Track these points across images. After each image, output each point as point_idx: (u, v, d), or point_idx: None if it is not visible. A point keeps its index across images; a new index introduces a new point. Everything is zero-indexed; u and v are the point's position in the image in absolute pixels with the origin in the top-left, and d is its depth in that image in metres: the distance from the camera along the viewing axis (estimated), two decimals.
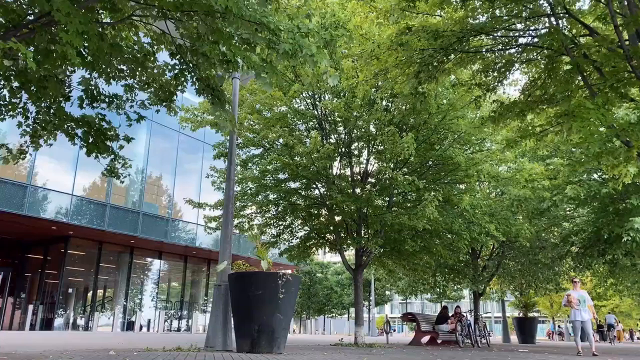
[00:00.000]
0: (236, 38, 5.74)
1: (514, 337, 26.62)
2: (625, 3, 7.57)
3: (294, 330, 20.75)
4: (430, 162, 13.69)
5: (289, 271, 8.16)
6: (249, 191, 14.25)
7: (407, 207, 13.54)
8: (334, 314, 45.51)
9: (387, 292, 45.64)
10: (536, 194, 14.32)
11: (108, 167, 8.29)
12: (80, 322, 23.23)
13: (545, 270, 20.24)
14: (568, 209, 16.28)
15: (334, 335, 29.78)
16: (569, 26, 8.51)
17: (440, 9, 8.62)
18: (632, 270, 17.08)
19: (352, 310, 20.26)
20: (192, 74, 6.91)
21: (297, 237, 15.34)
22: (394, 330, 57.73)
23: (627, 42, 7.52)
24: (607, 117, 8.17)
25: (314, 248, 15.52)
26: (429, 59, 8.42)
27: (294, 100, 13.02)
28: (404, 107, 12.31)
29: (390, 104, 12.97)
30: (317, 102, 13.31)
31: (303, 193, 14.39)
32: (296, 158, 12.62)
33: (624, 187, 11.67)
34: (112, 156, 8.24)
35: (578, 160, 10.97)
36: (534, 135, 9.38)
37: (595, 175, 14.67)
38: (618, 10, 7.72)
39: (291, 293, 7.09)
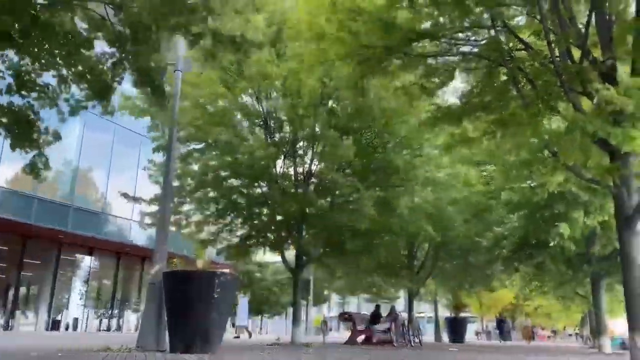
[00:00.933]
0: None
1: (445, 337, 27.56)
2: (558, 22, 7.99)
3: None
4: (372, 166, 13.90)
5: (227, 270, 8.00)
6: (188, 187, 13.87)
7: (348, 209, 13.68)
8: (271, 314, 45.28)
9: (326, 292, 45.94)
10: (472, 199, 14.89)
11: (30, 163, 7.75)
12: (0, 320, 21.75)
13: (478, 272, 21.11)
14: (501, 214, 17.03)
15: (271, 335, 29.63)
16: (506, 39, 8.88)
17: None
18: (556, 273, 18.12)
19: (290, 310, 20.23)
20: (131, 63, 6.61)
21: (237, 236, 15.11)
22: (331, 330, 58.17)
23: (558, 58, 7.93)
24: (538, 127, 8.61)
25: (254, 247, 15.34)
26: (372, 54, 8.52)
27: (239, 98, 12.82)
28: (349, 110, 12.43)
29: (336, 106, 13.05)
30: (262, 99, 13.17)
31: (244, 191, 14.19)
32: (238, 156, 12.42)
33: (550, 194, 12.36)
34: (37, 152, 7.70)
35: (510, 168, 11.50)
36: (470, 141, 9.72)
37: (525, 184, 15.42)
38: (552, 28, 8.13)
39: (228, 293, 6.96)
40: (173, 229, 14.78)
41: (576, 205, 13.65)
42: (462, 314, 29.51)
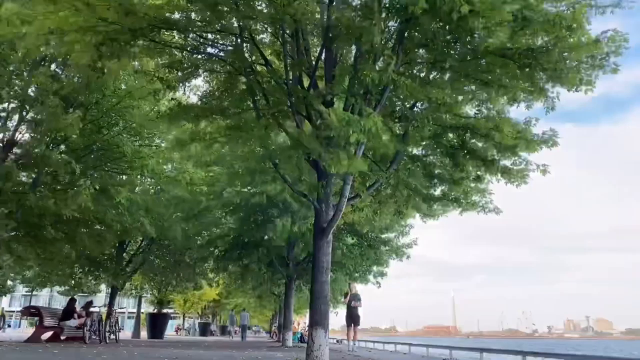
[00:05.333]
0: None
1: (145, 333, 26.91)
2: (296, 49, 8.90)
3: None
4: (95, 147, 12.69)
5: None
6: None
7: (56, 190, 12.11)
8: None
9: (10, 282, 39.38)
10: (194, 197, 15.07)
11: None
12: None
13: (188, 270, 21.40)
14: (220, 214, 17.70)
15: None
16: (251, 52, 9.39)
17: None
18: (259, 273, 19.81)
19: None
20: None
21: None
22: (9, 326, 50.08)
23: (291, 81, 8.82)
24: (266, 139, 9.37)
25: None
26: (115, 35, 7.86)
27: None
28: (76, 80, 11.10)
29: (61, 72, 11.47)
30: None
31: None
32: None
33: (268, 200, 13.54)
34: None
35: (237, 172, 12.13)
36: (204, 140, 9.89)
37: (246, 189, 16.46)
38: (290, 53, 9.00)
39: None
40: None
41: (287, 212, 15.27)
42: (165, 310, 29.41)
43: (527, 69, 7.50)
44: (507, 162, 9.36)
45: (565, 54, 7.17)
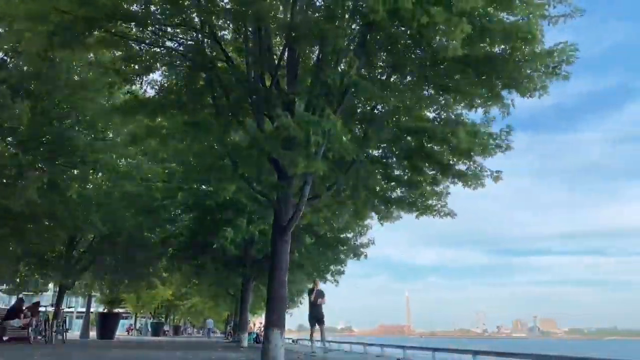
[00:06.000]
0: None
1: (94, 333, 26.06)
2: (258, 47, 8.81)
3: None
4: (45, 139, 12.15)
5: None
6: None
7: (2, 184, 11.55)
8: None
9: None
10: (149, 193, 14.70)
11: None
12: None
13: (141, 268, 20.82)
14: (175, 212, 17.34)
15: None
16: (211, 47, 9.22)
17: None
18: (214, 273, 19.53)
19: None
20: None
21: None
22: None
23: (252, 79, 8.73)
24: (225, 137, 9.24)
25: None
26: (69, 24, 7.56)
27: None
28: (25, 68, 10.61)
29: (9, 59, 10.94)
30: None
31: None
32: None
33: (224, 200, 13.35)
34: None
35: (194, 169, 11.89)
36: (160, 136, 9.66)
37: (203, 187, 16.19)
38: (252, 51, 8.89)
39: None
40: None
41: (243, 212, 15.11)
42: (116, 310, 28.57)
43: (485, 76, 7.72)
44: (462, 167, 9.59)
45: (521, 62, 7.43)
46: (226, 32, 9.34)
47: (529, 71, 7.52)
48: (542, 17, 7.18)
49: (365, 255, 18.56)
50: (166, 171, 15.38)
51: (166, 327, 44.56)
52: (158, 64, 9.16)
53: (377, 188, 10.48)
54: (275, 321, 8.14)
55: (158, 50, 9.05)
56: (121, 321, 32.13)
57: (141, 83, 9.29)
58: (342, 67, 7.88)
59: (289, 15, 8.01)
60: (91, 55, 10.93)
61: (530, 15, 7.09)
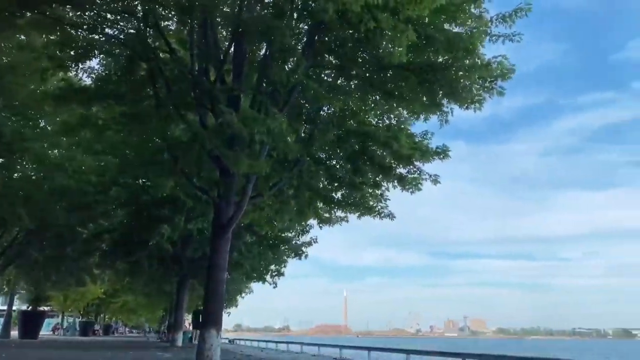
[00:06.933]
0: None
1: (16, 333, 24.52)
2: (204, 40, 8.60)
3: None
4: None
5: None
6: None
7: None
8: None
9: None
10: (81, 187, 13.97)
11: None
12: None
13: (72, 265, 19.75)
14: (109, 207, 16.59)
15: None
16: (154, 37, 8.88)
17: None
18: (149, 271, 18.88)
19: None
20: None
21: None
22: None
23: (196, 72, 8.51)
24: (165, 130, 8.96)
25: None
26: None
27: None
28: None
29: None
30: None
31: None
32: None
33: (162, 196, 12.94)
34: None
35: (130, 162, 11.45)
36: (96, 126, 9.23)
37: (139, 182, 15.58)
38: (197, 44, 8.66)
39: None
40: None
41: (181, 209, 14.68)
42: (41, 308, 27.04)
43: (427, 84, 7.93)
44: (403, 171, 9.82)
45: (461, 72, 7.70)
46: (170, 23, 9.04)
47: (467, 82, 7.80)
48: (485, 33, 7.47)
49: (306, 255, 18.56)
50: (101, 164, 14.66)
51: (96, 327, 42.68)
52: (96, 51, 8.72)
53: (321, 189, 10.52)
54: (211, 320, 7.98)
55: (96, 37, 8.62)
56: (47, 320, 30.44)
57: (77, 70, 8.83)
58: (290, 66, 7.85)
59: (236, 10, 7.87)
60: (22, 37, 10.28)
61: (474, 30, 7.37)
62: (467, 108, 8.16)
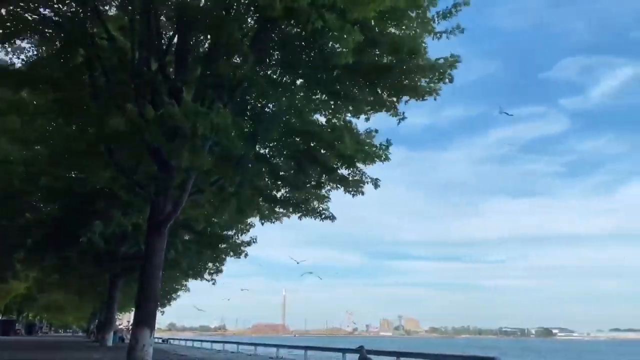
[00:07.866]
0: None
1: None
2: (146, 29, 8.27)
3: None
4: None
5: None
6: None
7: None
8: None
9: None
10: (7, 177, 13.07)
11: None
12: None
13: None
14: (37, 199, 15.62)
15: None
16: (93, 23, 8.44)
17: None
18: (80, 267, 17.99)
19: None
20: None
21: None
22: None
23: (137, 62, 8.17)
24: (102, 121, 8.54)
25: None
26: None
27: None
28: None
29: None
30: None
31: None
32: None
33: (95, 189, 12.33)
34: None
35: (62, 153, 10.81)
36: (25, 113, 8.67)
37: (71, 174, 14.76)
38: (139, 33, 8.29)
39: None
40: None
41: (117, 204, 14.05)
42: None
43: (372, 84, 8.03)
44: (345, 172, 9.88)
45: (404, 75, 7.85)
46: (110, 8, 8.63)
47: (412, 83, 7.97)
48: (428, 32, 7.64)
49: (246, 254, 18.35)
50: (30, 154, 13.75)
51: (18, 326, 40.17)
52: (28, 32, 8.17)
53: (263, 187, 10.41)
54: (144, 320, 7.71)
55: (29, 16, 8.06)
56: None
57: (5, 50, 8.24)
58: (236, 60, 7.71)
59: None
60: None
61: (417, 30, 7.53)
62: (423, 99, 8.24)
